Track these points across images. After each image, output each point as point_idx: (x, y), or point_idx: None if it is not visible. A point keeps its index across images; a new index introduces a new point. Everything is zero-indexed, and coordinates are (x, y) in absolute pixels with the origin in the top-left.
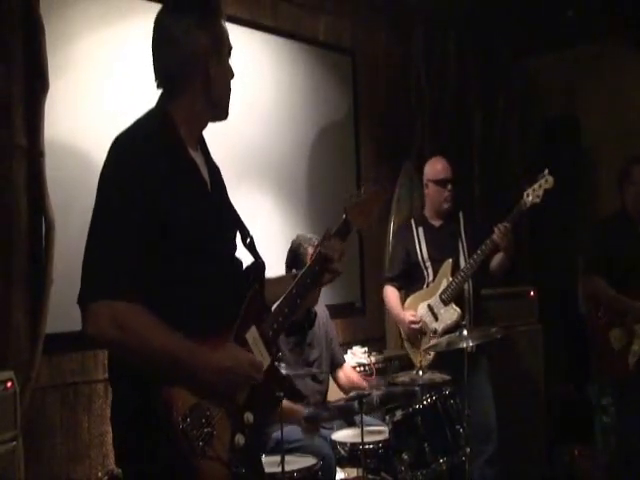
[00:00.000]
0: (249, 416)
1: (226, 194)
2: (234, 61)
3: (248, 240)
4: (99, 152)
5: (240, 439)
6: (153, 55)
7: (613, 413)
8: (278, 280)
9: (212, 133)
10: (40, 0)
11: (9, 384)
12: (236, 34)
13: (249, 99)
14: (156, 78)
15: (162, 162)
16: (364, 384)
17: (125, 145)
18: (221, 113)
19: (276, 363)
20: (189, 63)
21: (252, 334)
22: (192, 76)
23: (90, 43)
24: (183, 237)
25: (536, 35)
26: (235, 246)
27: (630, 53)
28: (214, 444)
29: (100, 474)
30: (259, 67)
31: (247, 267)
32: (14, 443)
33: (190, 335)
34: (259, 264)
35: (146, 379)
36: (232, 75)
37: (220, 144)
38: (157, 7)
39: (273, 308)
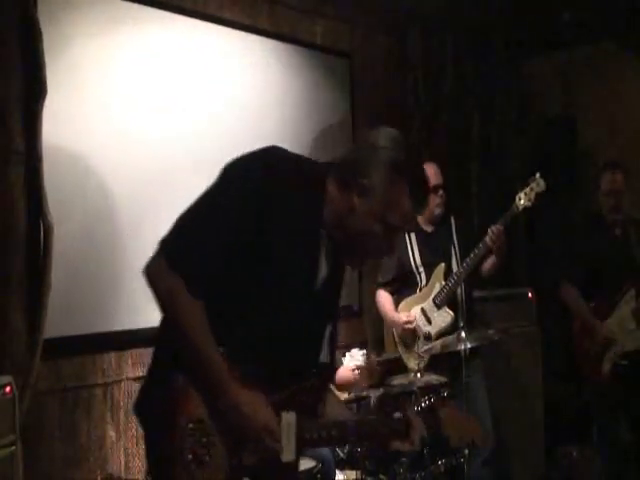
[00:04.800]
0: None
1: (336, 292)
2: (231, 65)
3: (330, 335)
4: (98, 157)
5: None
6: (354, 145)
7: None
8: (339, 404)
9: (210, 136)
10: (38, 5)
11: (8, 389)
12: (233, 38)
13: (246, 103)
14: (340, 159)
15: (293, 211)
16: (359, 379)
17: (276, 163)
18: (346, 251)
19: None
20: (361, 177)
21: (289, 418)
22: (354, 186)
23: (89, 49)
24: (268, 284)
25: (533, 36)
26: (315, 331)
27: (627, 54)
28: (202, 467)
29: (99, 479)
30: (256, 71)
31: (321, 362)
32: (13, 448)
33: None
34: (331, 366)
35: (175, 366)
36: (383, 249)
37: (218, 147)
38: (157, 13)
39: (322, 420)
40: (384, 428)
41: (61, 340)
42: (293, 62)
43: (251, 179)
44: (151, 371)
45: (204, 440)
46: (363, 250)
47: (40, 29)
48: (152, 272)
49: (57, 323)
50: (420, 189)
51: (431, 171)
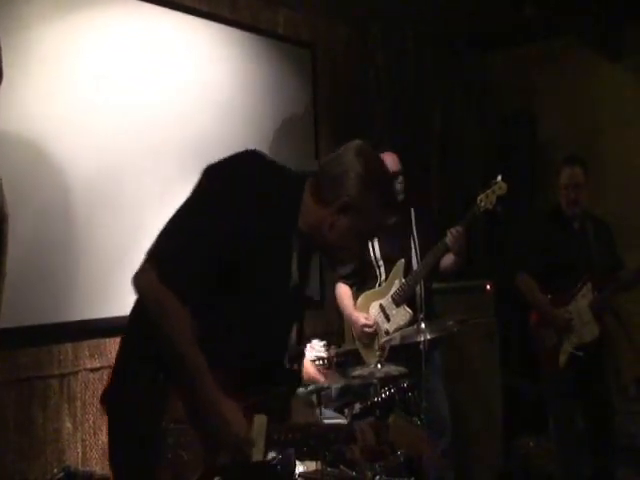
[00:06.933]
0: None
1: (302, 294)
2: (192, 54)
3: (298, 345)
4: (52, 144)
5: None
6: (328, 159)
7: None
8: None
9: (170, 126)
10: None
11: None
12: (193, 26)
13: (207, 93)
14: (319, 171)
15: (270, 218)
16: (321, 379)
17: (256, 170)
18: (327, 257)
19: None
20: (339, 195)
21: (261, 420)
22: (332, 202)
23: (44, 33)
24: (244, 290)
25: (494, 32)
26: (285, 336)
27: (586, 50)
28: (179, 467)
29: (55, 471)
30: (217, 60)
31: (288, 369)
32: None
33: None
34: (298, 373)
35: (159, 365)
36: (353, 254)
37: (179, 138)
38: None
39: (288, 423)
40: (338, 434)
41: (16, 330)
42: (254, 52)
43: (233, 186)
44: (126, 364)
45: (182, 440)
46: (337, 259)
47: None
48: (143, 285)
49: (12, 313)
50: (394, 203)
51: (389, 159)
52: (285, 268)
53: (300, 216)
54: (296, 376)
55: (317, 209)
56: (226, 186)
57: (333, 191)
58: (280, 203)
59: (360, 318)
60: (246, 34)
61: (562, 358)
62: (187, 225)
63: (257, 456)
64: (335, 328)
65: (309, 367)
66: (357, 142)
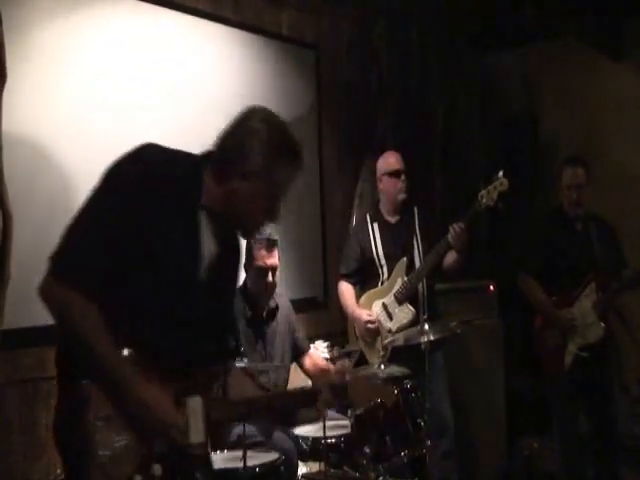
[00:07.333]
0: (158, 468)
1: (227, 273)
2: (196, 55)
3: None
4: (57, 143)
5: (138, 478)
6: (229, 130)
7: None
8: (248, 382)
9: (172, 126)
10: None
11: None
12: (197, 27)
13: (211, 93)
14: (215, 141)
15: (170, 203)
16: (330, 367)
17: (150, 160)
18: (236, 227)
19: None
20: (241, 165)
21: (194, 402)
22: (234, 174)
23: (48, 33)
24: (155, 278)
25: (497, 32)
26: (215, 316)
27: (586, 50)
28: (114, 461)
29: (59, 471)
30: (221, 61)
31: (225, 346)
32: None
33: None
34: (236, 350)
35: (77, 370)
36: (268, 214)
37: (181, 138)
38: None
39: (229, 399)
40: (291, 399)
41: (20, 331)
42: (259, 53)
43: (127, 178)
44: (60, 393)
45: (113, 435)
46: (250, 226)
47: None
48: (43, 292)
49: (16, 314)
50: (298, 155)
51: (392, 158)
52: (193, 249)
53: (204, 194)
54: (233, 353)
55: (221, 182)
56: (120, 179)
57: (237, 160)
58: (178, 186)
59: (363, 315)
60: (250, 35)
61: (567, 359)
62: (84, 223)
63: (196, 438)
64: (339, 328)
65: (317, 359)
66: (254, 109)
